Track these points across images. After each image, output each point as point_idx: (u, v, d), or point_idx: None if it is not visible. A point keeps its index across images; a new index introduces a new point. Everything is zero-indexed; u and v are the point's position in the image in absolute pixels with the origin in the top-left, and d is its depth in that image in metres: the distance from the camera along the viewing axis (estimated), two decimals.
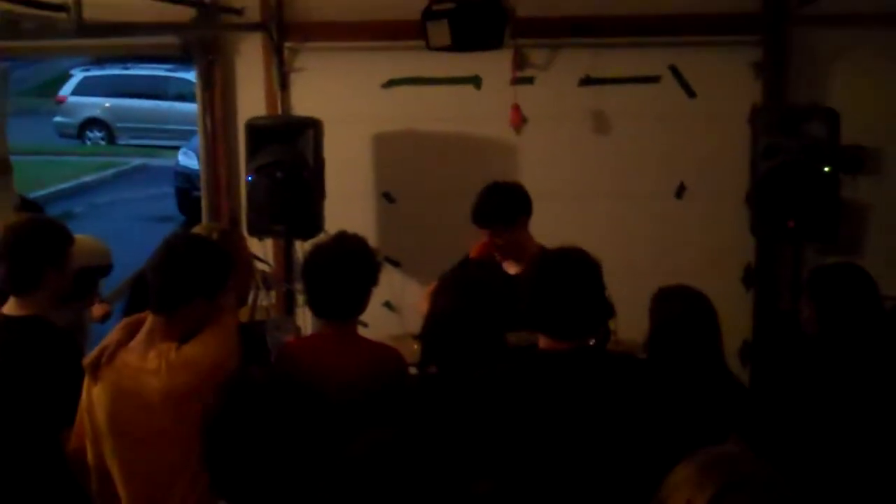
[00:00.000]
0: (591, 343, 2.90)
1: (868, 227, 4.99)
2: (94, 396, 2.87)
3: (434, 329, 3.10)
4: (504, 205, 4.19)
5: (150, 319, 2.88)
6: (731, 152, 5.00)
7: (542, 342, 2.77)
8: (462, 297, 3.09)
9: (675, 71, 5.21)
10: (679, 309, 3.17)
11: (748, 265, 5.18)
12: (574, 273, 2.76)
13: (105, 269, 4.31)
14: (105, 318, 4.44)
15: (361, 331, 3.39)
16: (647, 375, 2.86)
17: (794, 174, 4.51)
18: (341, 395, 2.94)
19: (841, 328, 3.21)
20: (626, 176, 5.30)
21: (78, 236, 3.64)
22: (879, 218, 4.97)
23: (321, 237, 3.86)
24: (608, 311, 2.95)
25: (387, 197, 5.63)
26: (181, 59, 5.84)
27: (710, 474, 1.65)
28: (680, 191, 5.26)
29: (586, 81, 5.30)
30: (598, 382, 2.70)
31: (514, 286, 4.00)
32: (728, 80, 5.14)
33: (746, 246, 5.06)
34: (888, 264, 4.74)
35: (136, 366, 2.80)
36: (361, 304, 3.21)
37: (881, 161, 4.96)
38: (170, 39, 5.71)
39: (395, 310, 5.39)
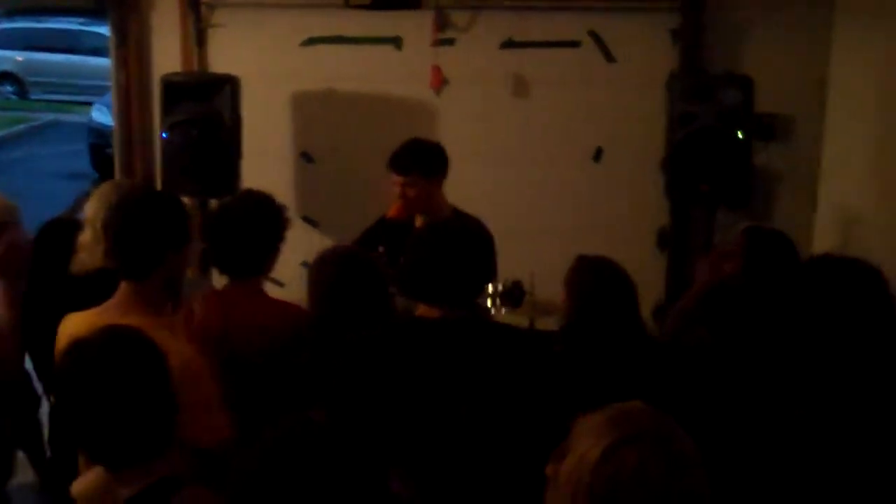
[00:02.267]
0: (486, 308, 2.92)
1: (778, 193, 5.10)
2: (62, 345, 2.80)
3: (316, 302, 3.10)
4: (426, 155, 4.20)
5: (121, 287, 2.77)
6: (648, 117, 5.05)
7: (419, 309, 2.80)
8: (331, 297, 3.08)
9: (594, 36, 5.23)
10: (596, 280, 3.17)
11: (662, 228, 5.25)
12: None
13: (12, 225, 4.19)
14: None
15: (277, 291, 3.38)
16: (522, 345, 2.87)
17: (708, 140, 4.59)
18: (244, 351, 2.94)
19: (768, 282, 3.26)
20: (545, 139, 5.32)
21: None
22: (789, 184, 5.08)
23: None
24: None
25: (305, 157, 5.58)
26: (95, 11, 5.67)
27: (610, 427, 1.66)
28: (597, 154, 5.30)
29: (507, 44, 5.30)
30: (465, 349, 2.70)
31: None
32: (647, 46, 5.18)
33: (661, 210, 5.14)
34: (795, 229, 4.86)
35: None
36: (265, 261, 3.19)
37: (793, 129, 5.06)
38: None
39: None
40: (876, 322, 2.62)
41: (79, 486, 2.10)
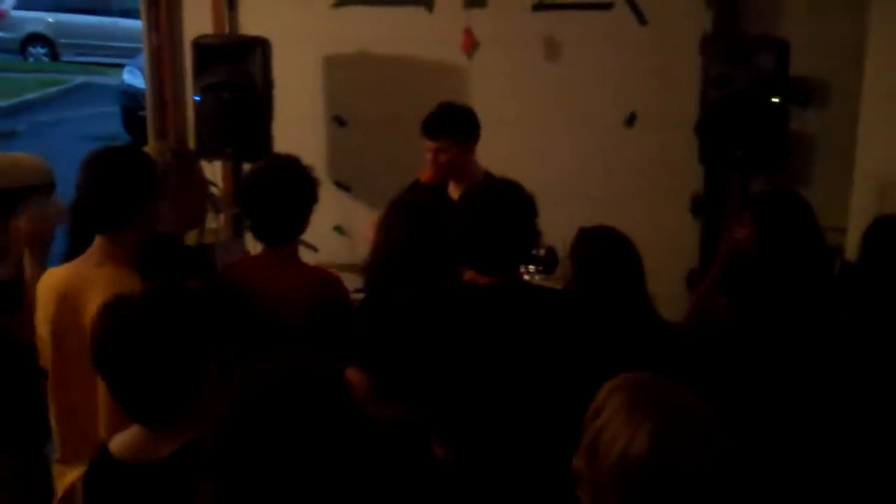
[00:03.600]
0: (521, 273, 2.89)
1: (814, 159, 5.04)
2: (40, 300, 2.85)
3: (381, 262, 3.05)
4: (458, 119, 4.19)
5: (96, 240, 2.82)
6: (681, 81, 5.00)
7: (467, 274, 2.79)
8: (411, 229, 3.01)
9: None
10: (600, 249, 3.10)
11: (696, 194, 5.22)
12: (495, 207, 2.76)
13: (47, 188, 4.23)
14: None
15: (311, 255, 3.39)
16: (567, 309, 2.86)
17: (743, 104, 4.54)
18: (278, 317, 2.95)
19: (780, 249, 3.26)
20: (577, 103, 5.28)
21: (19, 155, 3.58)
22: (825, 149, 5.02)
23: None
24: (531, 244, 2.87)
25: (337, 120, 5.57)
26: None
27: (639, 412, 1.62)
28: (630, 119, 5.26)
29: (539, 7, 5.25)
30: (516, 316, 2.70)
31: None
32: (680, 9, 5.12)
33: (695, 175, 5.10)
34: (832, 195, 4.81)
35: (82, 284, 2.74)
36: (299, 225, 3.20)
37: (828, 93, 5.00)
38: None
39: (346, 234, 5.37)
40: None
41: (118, 444, 2.13)
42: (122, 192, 2.77)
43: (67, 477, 2.80)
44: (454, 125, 4.16)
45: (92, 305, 2.63)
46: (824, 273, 3.35)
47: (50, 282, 2.84)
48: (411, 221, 3.02)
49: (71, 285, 2.77)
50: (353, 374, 2.66)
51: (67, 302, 2.74)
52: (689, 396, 1.67)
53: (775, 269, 3.20)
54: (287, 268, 3.17)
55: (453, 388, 2.64)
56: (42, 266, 3.09)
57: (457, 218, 2.82)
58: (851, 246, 3.73)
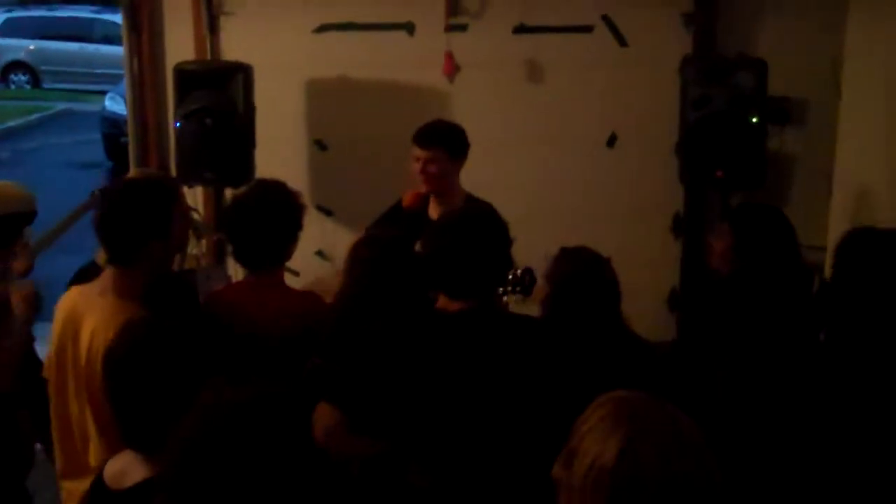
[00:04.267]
0: (499, 295, 2.89)
1: (793, 177, 5.08)
2: (55, 315, 2.88)
3: (345, 303, 3.00)
4: (451, 132, 4.21)
5: (106, 272, 2.84)
6: (661, 102, 5.04)
7: (439, 300, 2.80)
8: (371, 269, 2.96)
9: (607, 20, 5.22)
10: (575, 271, 3.07)
11: (677, 214, 5.25)
12: (467, 233, 2.77)
13: (29, 215, 4.22)
14: (26, 271, 4.35)
15: (292, 279, 3.38)
16: (537, 334, 2.85)
17: (722, 124, 4.58)
18: (263, 343, 2.95)
19: (757, 263, 3.27)
20: (559, 125, 5.31)
21: (1, 182, 3.59)
22: (804, 168, 5.07)
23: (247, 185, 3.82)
24: (503, 270, 2.89)
25: (319, 144, 5.58)
26: (106, 2, 5.69)
27: (616, 423, 1.64)
28: (611, 140, 5.29)
29: (520, 30, 5.29)
30: (485, 342, 2.70)
31: None
32: (659, 30, 5.17)
33: (675, 195, 5.13)
34: (811, 213, 4.85)
35: (85, 309, 2.76)
36: (283, 252, 3.20)
37: (807, 112, 5.04)
38: None
39: (328, 258, 5.37)
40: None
41: (112, 469, 2.13)
42: (128, 228, 2.78)
43: (76, 491, 2.79)
44: (447, 137, 4.17)
45: (86, 330, 2.72)
46: (803, 291, 3.37)
47: (62, 303, 2.89)
48: (371, 261, 2.98)
49: (75, 309, 2.81)
50: (323, 410, 2.67)
51: (69, 324, 2.79)
52: (670, 414, 1.68)
53: (753, 286, 3.21)
54: (273, 294, 3.16)
55: (424, 416, 2.64)
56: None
57: (429, 243, 2.83)
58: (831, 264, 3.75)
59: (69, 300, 2.87)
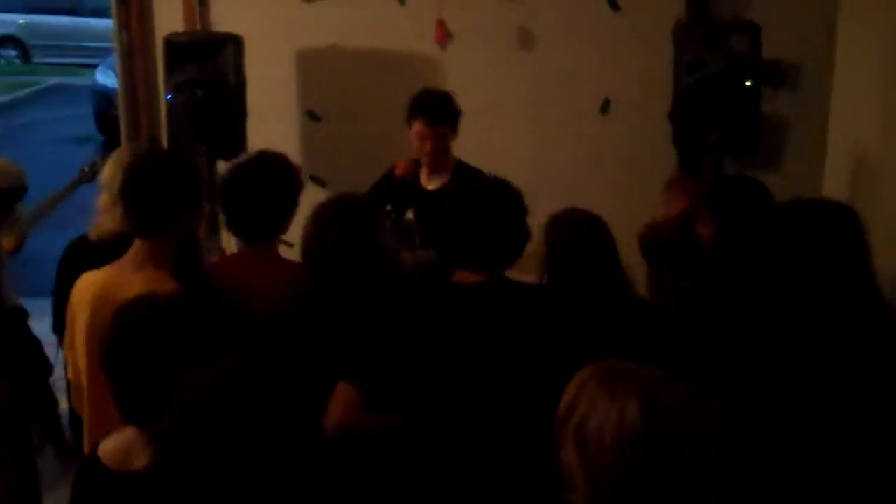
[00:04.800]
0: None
1: (787, 141, 5.06)
2: (76, 303, 2.85)
3: (314, 258, 2.95)
4: (453, 108, 4.21)
5: (136, 244, 2.83)
6: (655, 67, 4.99)
7: (456, 274, 2.76)
8: (341, 229, 2.90)
9: None
10: (570, 233, 3.08)
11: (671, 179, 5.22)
12: (484, 204, 2.72)
13: (19, 191, 4.22)
14: (16, 250, 4.34)
15: (287, 251, 3.37)
16: (553, 304, 2.83)
17: (716, 88, 4.55)
18: (259, 315, 2.93)
19: (741, 243, 3.23)
20: (552, 92, 5.28)
21: None
22: (798, 131, 5.05)
23: (242, 157, 3.80)
24: (521, 242, 2.80)
25: (311, 115, 5.55)
26: None
27: (623, 387, 1.64)
28: (605, 106, 5.26)
29: None
30: (503, 314, 2.68)
31: (431, 203, 4.02)
32: None
33: (670, 160, 5.11)
34: (805, 176, 4.85)
35: (119, 287, 2.72)
36: (279, 224, 3.17)
37: (801, 75, 5.01)
38: None
39: None
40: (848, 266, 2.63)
41: (108, 445, 2.11)
42: (160, 199, 2.79)
43: None
44: (452, 112, 4.18)
45: None
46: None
47: (85, 286, 2.85)
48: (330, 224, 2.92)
49: (108, 289, 2.77)
50: (341, 388, 2.65)
51: (105, 305, 2.70)
52: (658, 371, 1.69)
53: (740, 265, 3.17)
54: (269, 266, 3.14)
55: (445, 391, 2.63)
56: None
57: (445, 215, 2.78)
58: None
59: (95, 283, 2.82)
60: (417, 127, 4.15)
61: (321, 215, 2.94)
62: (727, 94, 4.55)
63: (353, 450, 2.65)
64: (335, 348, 2.72)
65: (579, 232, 3.06)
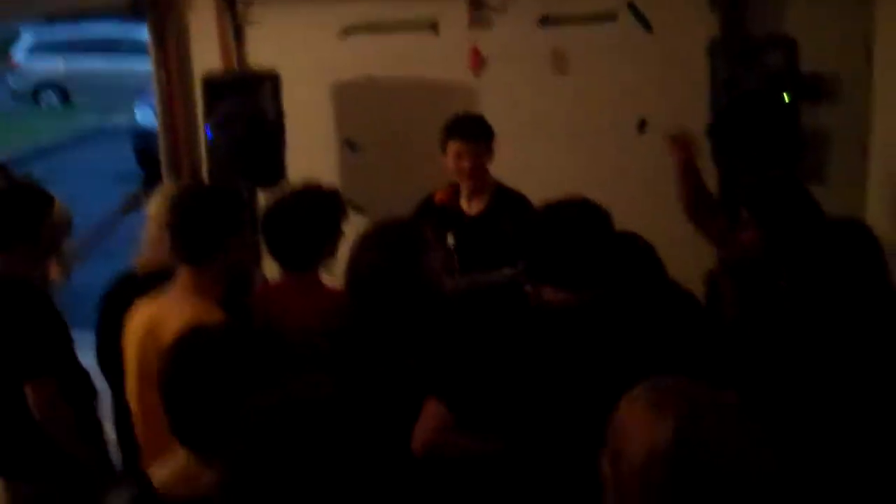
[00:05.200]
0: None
1: (828, 155, 5.01)
2: (128, 333, 2.91)
3: (356, 285, 2.93)
4: (486, 126, 4.26)
5: (182, 272, 2.89)
6: (690, 85, 4.98)
7: (545, 293, 2.71)
8: (383, 255, 2.87)
9: (632, 6, 5.18)
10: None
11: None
12: (584, 223, 2.71)
13: (66, 226, 4.28)
14: (63, 281, 4.42)
15: (326, 279, 3.38)
16: (646, 324, 2.77)
17: (753, 104, 4.53)
18: (303, 344, 2.94)
19: (787, 247, 3.19)
20: (587, 115, 5.28)
21: None
22: (839, 145, 4.99)
23: (284, 187, 3.84)
24: (609, 261, 2.77)
25: (349, 145, 5.59)
26: (132, 14, 5.75)
27: (664, 407, 1.58)
28: (641, 126, 5.25)
29: (544, 21, 5.26)
30: (597, 336, 2.64)
31: (472, 228, 4.02)
32: (685, 14, 5.11)
33: (710, 178, 5.07)
34: (848, 190, 4.79)
35: (167, 315, 2.78)
36: (320, 253, 3.20)
37: (840, 88, 4.97)
38: None
39: None
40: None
41: (161, 471, 2.11)
42: (205, 226, 2.85)
43: None
44: (487, 129, 4.22)
45: (171, 337, 2.68)
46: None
47: (139, 317, 2.92)
48: (382, 249, 2.89)
49: (156, 318, 2.84)
50: (430, 408, 2.64)
51: (152, 334, 2.80)
52: (707, 389, 1.64)
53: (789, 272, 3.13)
54: (309, 294, 3.16)
55: (539, 413, 2.59)
56: None
57: (534, 235, 2.77)
58: None
59: (142, 314, 2.89)
60: (454, 147, 4.16)
61: (364, 241, 2.94)
62: (765, 110, 4.52)
63: (447, 472, 2.63)
64: (386, 372, 2.71)
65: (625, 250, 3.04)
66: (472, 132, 4.16)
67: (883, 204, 4.39)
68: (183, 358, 2.07)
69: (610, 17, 5.20)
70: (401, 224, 3.08)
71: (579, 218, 2.73)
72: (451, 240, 4.16)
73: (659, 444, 1.53)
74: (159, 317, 2.81)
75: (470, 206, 4.26)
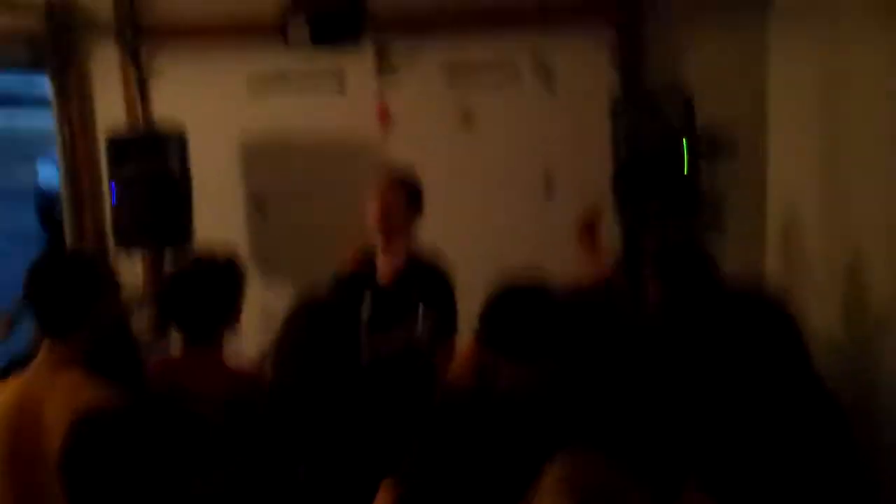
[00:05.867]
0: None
1: (728, 205, 5.14)
2: None
3: (280, 361, 2.93)
4: (414, 182, 4.23)
5: (45, 345, 2.77)
6: (596, 142, 5.07)
7: (500, 366, 2.73)
8: (303, 332, 2.90)
9: (535, 63, 5.27)
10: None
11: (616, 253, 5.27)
12: (528, 299, 2.76)
13: None
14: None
15: (235, 342, 3.34)
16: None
17: (653, 159, 4.64)
18: (207, 416, 2.88)
19: (686, 306, 3.28)
20: (495, 173, 5.35)
21: None
22: (738, 195, 5.13)
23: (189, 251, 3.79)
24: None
25: (257, 206, 5.55)
26: (32, 66, 5.63)
27: (570, 488, 1.67)
28: (548, 184, 5.32)
29: (451, 80, 5.33)
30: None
31: (382, 299, 3.98)
32: (587, 72, 5.23)
33: (614, 235, 5.17)
34: (747, 241, 4.92)
35: (39, 390, 2.67)
36: (219, 325, 3.16)
37: (737, 142, 5.11)
38: (19, 48, 5.48)
39: (273, 317, 5.31)
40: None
41: None
42: (66, 295, 2.74)
43: None
44: (405, 176, 4.18)
45: (51, 413, 2.59)
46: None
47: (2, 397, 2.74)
48: (303, 326, 2.92)
49: (26, 397, 2.69)
50: (387, 492, 2.59)
51: (24, 414, 2.65)
52: (616, 480, 1.70)
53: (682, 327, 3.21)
54: (211, 369, 3.11)
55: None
56: None
57: (497, 307, 2.80)
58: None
59: (8, 394, 2.73)
60: (372, 192, 4.13)
61: (288, 321, 2.92)
62: (664, 164, 4.63)
63: None
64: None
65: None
66: (391, 180, 4.16)
67: (780, 256, 4.52)
68: (88, 437, 2.01)
69: (516, 75, 5.29)
70: (323, 303, 3.08)
71: (536, 297, 2.78)
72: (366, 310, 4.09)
73: None
74: (31, 397, 2.67)
75: (383, 272, 4.19)
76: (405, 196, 4.13)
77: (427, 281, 4.01)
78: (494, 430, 2.62)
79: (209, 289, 3.11)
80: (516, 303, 2.80)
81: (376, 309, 3.97)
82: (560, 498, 1.65)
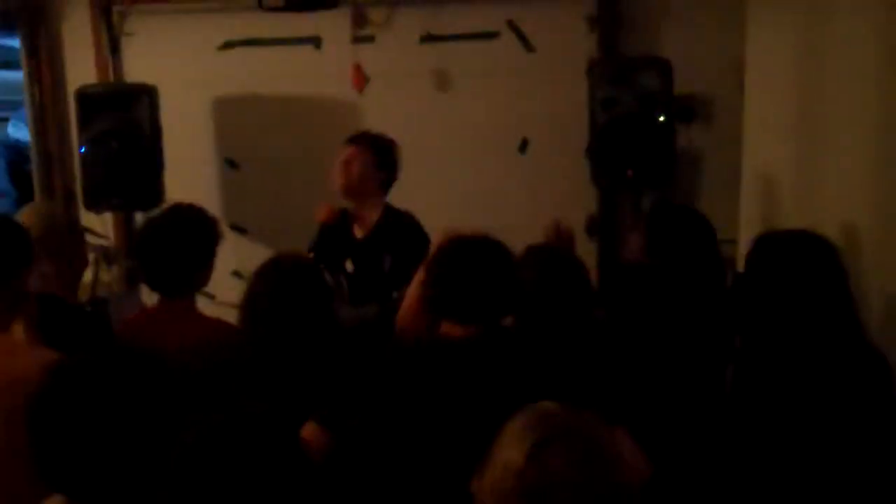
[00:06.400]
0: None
1: (702, 173, 5.17)
2: None
3: (249, 314, 2.90)
4: (377, 136, 4.17)
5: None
6: (571, 105, 5.06)
7: (443, 327, 2.70)
8: (274, 284, 2.86)
9: (513, 26, 5.25)
10: (543, 270, 3.07)
11: (590, 216, 5.29)
12: (475, 258, 2.71)
13: None
14: None
15: (207, 303, 3.32)
16: (545, 354, 2.78)
17: (630, 125, 4.63)
18: (182, 368, 2.86)
19: (666, 260, 3.30)
20: (470, 133, 5.32)
21: None
22: (712, 164, 5.15)
23: (158, 210, 3.74)
24: (513, 295, 2.75)
25: (230, 163, 5.51)
26: (3, 25, 5.56)
27: (528, 431, 1.65)
28: (523, 146, 5.31)
29: (427, 39, 5.29)
30: (492, 368, 2.63)
31: (364, 252, 3.98)
32: (565, 34, 5.21)
33: (588, 197, 5.18)
34: (721, 208, 4.92)
35: None
36: (197, 278, 3.13)
37: (713, 109, 5.13)
38: None
39: (244, 278, 5.27)
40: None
41: None
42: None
43: None
44: (372, 136, 4.13)
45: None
46: (716, 285, 3.41)
47: None
48: (274, 279, 2.88)
49: None
50: (311, 430, 2.59)
51: None
52: (586, 423, 1.69)
53: (659, 279, 3.23)
54: (186, 322, 3.07)
55: (413, 451, 2.57)
56: None
57: (436, 268, 2.76)
58: (742, 257, 3.82)
59: None
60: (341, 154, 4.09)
61: (265, 276, 2.89)
62: (641, 131, 4.63)
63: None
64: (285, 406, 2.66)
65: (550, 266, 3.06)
66: (354, 136, 4.12)
67: (754, 221, 4.53)
68: (56, 391, 1.97)
69: (492, 35, 5.26)
70: (295, 259, 3.04)
71: (482, 253, 2.73)
72: (349, 266, 4.08)
73: (513, 461, 1.63)
74: None
75: (359, 228, 4.17)
76: (373, 157, 4.09)
77: (402, 234, 3.99)
78: (444, 382, 2.62)
79: (183, 235, 3.06)
80: (461, 265, 2.73)
81: (354, 263, 3.97)
82: (520, 441, 1.64)
